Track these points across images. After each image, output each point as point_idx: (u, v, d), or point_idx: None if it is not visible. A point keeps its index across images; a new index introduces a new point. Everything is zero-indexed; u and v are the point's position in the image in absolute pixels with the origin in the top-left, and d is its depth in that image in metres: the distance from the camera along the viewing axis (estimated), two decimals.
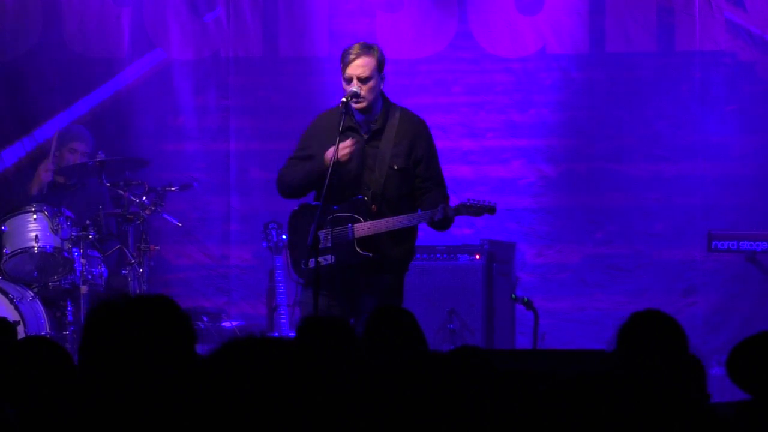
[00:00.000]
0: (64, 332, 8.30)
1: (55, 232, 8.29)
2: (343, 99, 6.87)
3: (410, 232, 6.99)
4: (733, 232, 8.88)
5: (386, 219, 6.86)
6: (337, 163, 6.76)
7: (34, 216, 8.33)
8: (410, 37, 9.75)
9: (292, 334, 8.56)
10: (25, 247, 8.30)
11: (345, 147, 6.81)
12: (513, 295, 8.62)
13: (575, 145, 9.63)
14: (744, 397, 3.99)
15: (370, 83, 6.88)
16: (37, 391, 3.60)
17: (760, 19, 9.44)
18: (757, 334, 4.08)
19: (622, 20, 9.57)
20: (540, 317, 8.39)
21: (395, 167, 6.93)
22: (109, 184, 8.60)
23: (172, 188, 8.76)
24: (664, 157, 9.53)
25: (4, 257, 8.31)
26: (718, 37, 9.47)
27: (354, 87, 6.87)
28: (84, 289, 8.31)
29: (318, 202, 6.89)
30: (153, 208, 8.56)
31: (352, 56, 6.89)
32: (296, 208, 7.15)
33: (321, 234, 6.84)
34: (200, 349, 2.94)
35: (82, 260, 8.34)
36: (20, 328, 7.81)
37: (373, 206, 6.89)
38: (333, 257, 6.89)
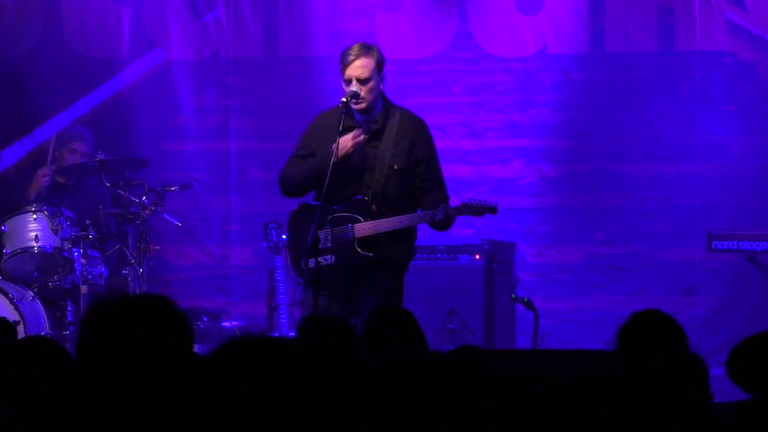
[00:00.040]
0: (64, 332, 8.30)
1: (55, 232, 8.29)
2: (343, 99, 6.87)
3: (410, 233, 7.00)
4: (733, 232, 8.88)
5: (387, 219, 6.86)
6: (337, 163, 6.76)
7: (34, 216, 8.33)
8: (410, 37, 9.75)
9: (292, 334, 8.55)
10: (25, 247, 8.30)
11: (354, 137, 6.83)
12: (513, 295, 8.62)
13: (575, 145, 9.63)
14: (744, 397, 3.99)
15: (370, 84, 6.88)
16: (37, 391, 3.60)
17: (760, 19, 9.44)
18: (757, 334, 4.08)
19: (622, 20, 9.57)
20: (540, 317, 8.39)
21: (395, 167, 6.93)
22: (109, 184, 8.60)
23: (172, 188, 8.75)
24: (664, 157, 9.52)
25: (4, 257, 8.31)
26: (718, 37, 9.47)
27: (354, 87, 6.87)
28: (84, 289, 8.31)
29: (318, 202, 6.89)
30: (153, 208, 8.56)
31: (351, 57, 6.89)
32: (296, 208, 7.15)
33: (321, 234, 6.84)
34: (200, 349, 2.94)
35: (82, 260, 8.34)
36: (20, 328, 7.81)
37: (373, 206, 6.90)
38: (333, 257, 6.89)
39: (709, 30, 9.45)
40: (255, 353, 2.33)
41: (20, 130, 9.81)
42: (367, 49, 6.93)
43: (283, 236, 8.76)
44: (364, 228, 6.86)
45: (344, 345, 4.48)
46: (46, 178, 8.86)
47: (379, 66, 6.93)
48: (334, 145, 6.78)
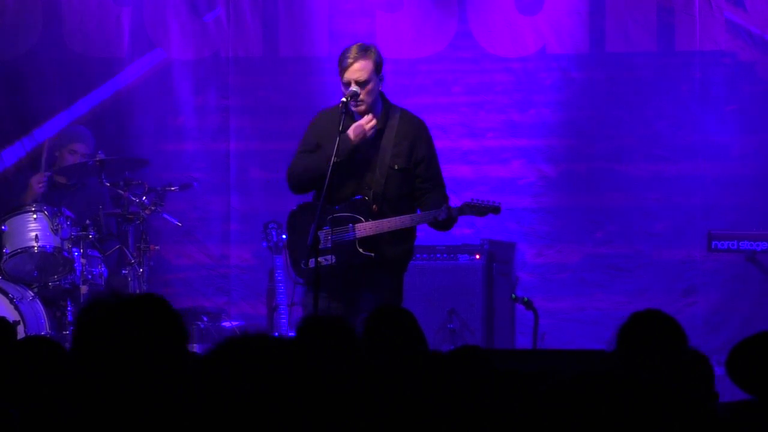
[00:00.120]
0: (64, 332, 8.30)
1: (55, 231, 8.29)
2: (343, 99, 6.87)
3: (410, 233, 7.00)
4: (733, 232, 8.88)
5: (389, 219, 6.86)
6: (337, 163, 6.76)
7: (34, 216, 8.33)
8: (410, 37, 9.75)
9: (292, 334, 8.55)
10: (25, 247, 8.30)
11: (367, 122, 6.84)
12: (513, 295, 8.62)
13: (575, 145, 9.63)
14: (744, 397, 3.99)
15: (369, 86, 6.89)
16: (37, 391, 3.60)
17: (760, 19, 9.44)
18: (757, 334, 4.08)
19: (622, 20, 9.57)
20: (540, 317, 8.39)
21: (396, 167, 6.93)
22: (109, 184, 8.59)
23: (172, 188, 8.75)
24: (664, 157, 9.52)
25: (4, 257, 8.31)
26: (718, 37, 9.47)
27: (353, 87, 6.88)
28: (84, 289, 8.31)
29: (318, 202, 6.89)
30: (153, 208, 8.56)
31: (349, 60, 6.89)
32: (295, 208, 7.15)
33: (321, 234, 6.84)
34: (200, 349, 2.94)
35: (82, 260, 8.34)
36: (20, 328, 7.81)
37: (374, 206, 6.90)
38: (333, 257, 6.89)
39: (709, 30, 9.45)
40: (253, 352, 2.33)
41: (20, 130, 9.81)
42: (364, 51, 6.93)
43: (283, 236, 8.76)
44: (365, 228, 6.86)
45: (344, 345, 4.48)
46: (41, 185, 8.83)
47: (378, 67, 6.93)
48: (353, 131, 6.80)
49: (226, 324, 9.32)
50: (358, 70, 6.88)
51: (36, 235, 8.28)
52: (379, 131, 6.97)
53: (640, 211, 9.54)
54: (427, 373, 2.52)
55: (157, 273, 9.23)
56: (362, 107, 6.92)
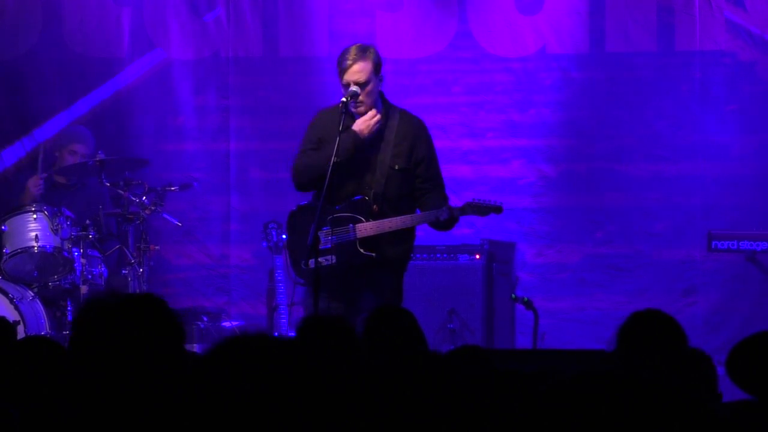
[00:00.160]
0: (64, 332, 8.29)
1: (55, 231, 8.29)
2: (343, 99, 6.87)
3: (410, 233, 7.00)
4: (733, 232, 8.88)
5: (390, 219, 6.86)
6: (337, 163, 6.76)
7: (34, 216, 8.34)
8: (410, 37, 9.75)
9: (292, 334, 8.55)
10: (25, 247, 8.30)
11: (371, 116, 6.85)
12: (513, 295, 8.62)
13: (575, 145, 9.63)
14: (744, 397, 3.98)
15: (368, 87, 6.89)
16: (37, 391, 3.60)
17: (760, 19, 9.44)
18: (757, 334, 4.07)
19: (622, 20, 9.57)
20: (540, 317, 8.39)
21: (396, 168, 6.93)
22: (109, 184, 8.59)
23: (172, 188, 8.75)
24: (664, 157, 9.52)
25: (4, 257, 8.31)
26: (718, 37, 9.47)
27: (353, 88, 6.88)
28: (84, 289, 8.31)
29: (318, 202, 6.88)
30: (153, 208, 8.56)
31: (348, 62, 6.89)
32: (294, 208, 7.15)
33: (321, 234, 6.84)
34: (200, 348, 2.94)
35: (82, 260, 8.34)
36: (20, 328, 7.81)
37: (374, 206, 6.90)
38: (334, 257, 6.89)
39: (709, 30, 9.45)
40: (253, 352, 2.33)
41: (20, 130, 9.81)
42: (363, 52, 6.92)
43: (283, 236, 8.76)
44: (366, 228, 6.86)
45: (344, 345, 4.48)
46: (38, 188, 8.83)
47: (377, 68, 6.93)
48: (359, 126, 6.80)
49: (226, 324, 9.32)
50: (357, 71, 6.88)
51: (36, 235, 8.28)
52: (379, 131, 6.97)
53: (640, 211, 9.54)
54: (427, 373, 2.52)
55: (157, 273, 9.23)
56: (362, 108, 6.92)
